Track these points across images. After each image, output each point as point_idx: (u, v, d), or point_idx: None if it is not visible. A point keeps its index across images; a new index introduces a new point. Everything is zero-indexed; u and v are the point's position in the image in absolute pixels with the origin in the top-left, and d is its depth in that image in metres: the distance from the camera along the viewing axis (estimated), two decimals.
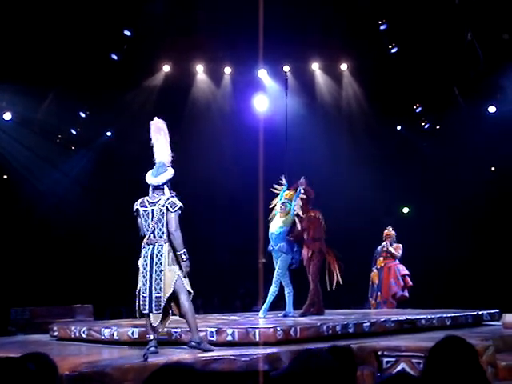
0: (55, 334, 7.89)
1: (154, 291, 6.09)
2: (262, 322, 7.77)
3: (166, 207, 6.17)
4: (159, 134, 6.54)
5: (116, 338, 7.04)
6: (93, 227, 14.02)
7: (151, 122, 6.62)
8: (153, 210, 6.22)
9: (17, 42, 11.80)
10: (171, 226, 6.15)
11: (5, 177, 14.55)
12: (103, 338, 7.15)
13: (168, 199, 6.23)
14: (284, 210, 8.68)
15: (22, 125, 13.46)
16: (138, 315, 6.29)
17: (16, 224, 13.60)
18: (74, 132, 14.37)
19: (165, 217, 6.17)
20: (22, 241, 13.47)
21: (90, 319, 10.31)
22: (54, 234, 13.78)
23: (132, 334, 6.95)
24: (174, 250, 6.19)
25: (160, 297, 6.08)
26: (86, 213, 14.17)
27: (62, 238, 13.85)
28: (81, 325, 7.89)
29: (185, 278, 6.17)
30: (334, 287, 9.07)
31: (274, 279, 8.51)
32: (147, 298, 6.11)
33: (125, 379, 5.25)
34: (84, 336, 7.35)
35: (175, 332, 6.66)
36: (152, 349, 5.96)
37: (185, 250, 6.19)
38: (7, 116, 13.17)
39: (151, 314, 6.12)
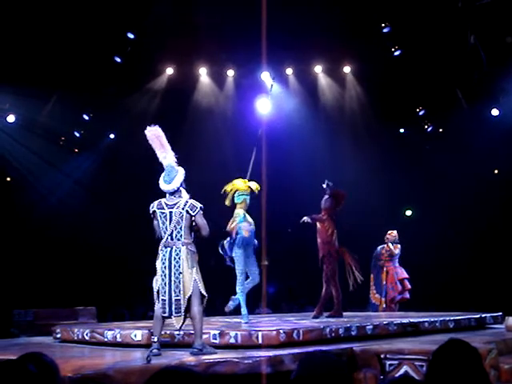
0: (58, 336, 7.89)
1: (173, 294, 6.10)
2: (265, 324, 7.77)
3: (187, 210, 6.17)
4: (157, 140, 6.55)
5: (119, 340, 7.05)
6: (96, 229, 14.03)
7: (146, 132, 6.62)
8: (171, 212, 6.21)
9: (20, 44, 11.83)
10: (204, 230, 6.21)
11: (8, 179, 14.57)
12: (106, 340, 7.15)
13: (187, 202, 6.23)
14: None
15: (26, 127, 13.49)
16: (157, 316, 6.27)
17: (19, 226, 13.62)
18: (78, 134, 14.40)
19: (184, 220, 6.17)
20: (25, 242, 13.49)
21: (93, 321, 10.32)
22: (57, 236, 13.79)
23: (135, 336, 6.95)
24: (191, 251, 6.20)
25: (180, 299, 6.08)
26: (89, 215, 14.19)
27: (65, 239, 13.86)
28: (84, 327, 7.90)
29: (200, 281, 6.18)
30: (353, 287, 9.23)
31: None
32: (167, 301, 6.12)
33: (128, 381, 5.24)
34: (87, 338, 7.35)
35: (178, 334, 6.66)
36: (155, 351, 5.96)
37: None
38: (10, 118, 13.18)
39: (173, 317, 6.14)
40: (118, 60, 13.30)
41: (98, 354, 6.57)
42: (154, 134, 6.57)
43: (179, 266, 6.11)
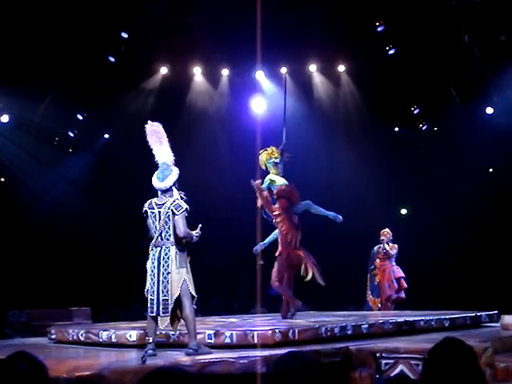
0: (53, 336, 7.88)
1: (161, 294, 6.08)
2: (261, 323, 7.76)
3: (172, 210, 6.16)
4: (156, 136, 6.52)
5: (114, 340, 7.03)
6: (90, 230, 14.00)
7: (146, 126, 6.60)
8: (160, 211, 6.20)
9: (14, 43, 11.78)
10: (179, 230, 6.13)
11: (2, 179, 14.53)
12: (101, 340, 7.13)
13: (174, 201, 6.21)
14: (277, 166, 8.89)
15: (19, 127, 13.43)
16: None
17: (13, 226, 13.57)
18: (72, 134, 14.36)
19: (171, 219, 6.16)
20: (19, 243, 13.45)
21: (87, 322, 10.30)
22: (52, 237, 13.76)
23: (130, 336, 6.93)
24: (181, 251, 6.17)
25: (167, 299, 6.06)
26: (83, 215, 14.16)
27: (60, 240, 13.83)
28: (79, 327, 7.89)
29: (190, 282, 6.16)
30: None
31: None
32: (155, 301, 6.10)
33: (122, 382, 5.23)
34: (82, 339, 7.34)
35: (173, 334, 6.64)
36: (150, 351, 5.95)
37: (194, 234, 6.22)
38: (4, 118, 13.13)
39: (159, 317, 6.11)
40: (112, 59, 13.26)
41: (92, 355, 6.57)
42: (155, 130, 6.56)
43: (168, 266, 6.09)
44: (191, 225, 6.32)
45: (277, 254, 8.74)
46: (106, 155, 14.71)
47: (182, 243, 6.22)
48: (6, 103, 13.07)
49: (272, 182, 8.80)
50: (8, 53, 11.82)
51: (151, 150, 6.52)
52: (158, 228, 6.19)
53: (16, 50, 11.87)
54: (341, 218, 8.99)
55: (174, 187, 6.35)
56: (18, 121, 13.38)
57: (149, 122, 6.63)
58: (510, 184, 14.06)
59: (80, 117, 14.09)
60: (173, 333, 6.58)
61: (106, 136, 15.00)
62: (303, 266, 8.54)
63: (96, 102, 13.56)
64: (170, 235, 6.17)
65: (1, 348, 7.07)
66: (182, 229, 6.13)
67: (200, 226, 6.35)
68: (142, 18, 12.82)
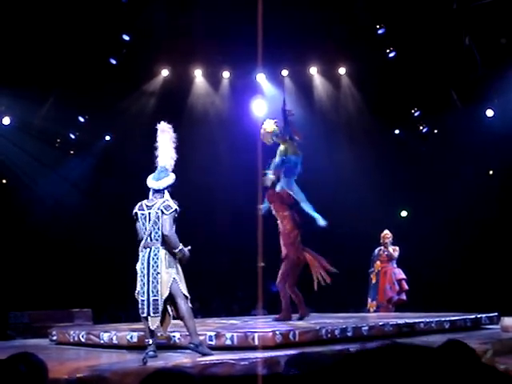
0: (54, 338, 7.90)
1: (151, 294, 6.11)
2: (261, 325, 7.77)
3: (161, 210, 6.19)
4: (164, 137, 6.58)
5: (115, 342, 7.05)
6: (91, 231, 14.01)
7: (158, 126, 6.66)
8: (150, 213, 6.24)
9: (16, 46, 11.81)
10: (164, 228, 6.17)
11: (4, 181, 14.54)
12: (102, 342, 7.15)
13: (164, 202, 6.25)
14: (281, 137, 8.83)
15: (21, 129, 13.46)
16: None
17: (15, 228, 13.59)
18: (73, 136, 14.38)
19: (160, 220, 6.19)
20: (21, 245, 13.46)
21: (88, 323, 10.31)
22: (53, 238, 13.77)
23: (131, 338, 6.95)
24: (170, 252, 6.20)
25: (157, 300, 6.09)
26: (84, 217, 14.17)
27: (61, 241, 13.84)
28: (80, 329, 7.90)
29: (181, 281, 6.18)
30: (317, 287, 8.68)
31: None
32: (145, 302, 6.13)
33: (123, 383, 5.24)
34: (83, 340, 7.35)
35: (174, 336, 6.66)
36: (151, 353, 5.97)
37: (181, 245, 6.22)
38: (6, 120, 13.15)
39: (149, 318, 6.13)
40: (114, 62, 13.28)
41: (93, 356, 6.59)
42: (163, 130, 6.61)
43: (157, 267, 6.13)
44: (186, 235, 6.34)
45: (283, 256, 8.71)
46: (107, 157, 14.73)
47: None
48: (7, 105, 13.09)
49: (284, 150, 8.85)
50: (9, 55, 11.84)
51: (155, 150, 6.57)
52: (147, 229, 6.23)
53: (18, 52, 11.90)
54: (323, 222, 8.77)
55: (166, 190, 6.38)
56: (20, 123, 13.40)
57: (161, 122, 6.67)
58: (510, 186, 14.06)
59: (81, 119, 14.11)
60: (173, 334, 6.60)
61: (108, 138, 15.02)
62: (318, 275, 8.54)
63: (97, 104, 13.58)
64: (159, 236, 6.20)
65: (2, 349, 7.09)
66: (167, 228, 6.17)
67: (189, 247, 6.32)
68: (143, 20, 12.84)
